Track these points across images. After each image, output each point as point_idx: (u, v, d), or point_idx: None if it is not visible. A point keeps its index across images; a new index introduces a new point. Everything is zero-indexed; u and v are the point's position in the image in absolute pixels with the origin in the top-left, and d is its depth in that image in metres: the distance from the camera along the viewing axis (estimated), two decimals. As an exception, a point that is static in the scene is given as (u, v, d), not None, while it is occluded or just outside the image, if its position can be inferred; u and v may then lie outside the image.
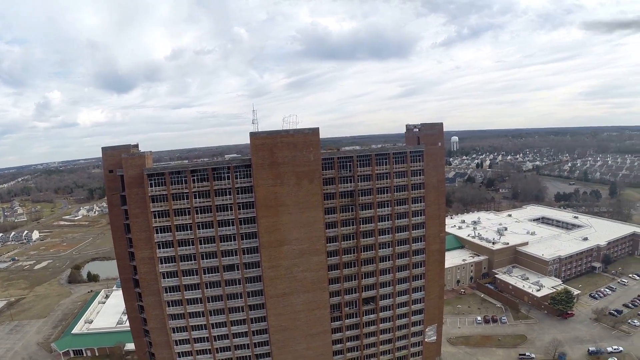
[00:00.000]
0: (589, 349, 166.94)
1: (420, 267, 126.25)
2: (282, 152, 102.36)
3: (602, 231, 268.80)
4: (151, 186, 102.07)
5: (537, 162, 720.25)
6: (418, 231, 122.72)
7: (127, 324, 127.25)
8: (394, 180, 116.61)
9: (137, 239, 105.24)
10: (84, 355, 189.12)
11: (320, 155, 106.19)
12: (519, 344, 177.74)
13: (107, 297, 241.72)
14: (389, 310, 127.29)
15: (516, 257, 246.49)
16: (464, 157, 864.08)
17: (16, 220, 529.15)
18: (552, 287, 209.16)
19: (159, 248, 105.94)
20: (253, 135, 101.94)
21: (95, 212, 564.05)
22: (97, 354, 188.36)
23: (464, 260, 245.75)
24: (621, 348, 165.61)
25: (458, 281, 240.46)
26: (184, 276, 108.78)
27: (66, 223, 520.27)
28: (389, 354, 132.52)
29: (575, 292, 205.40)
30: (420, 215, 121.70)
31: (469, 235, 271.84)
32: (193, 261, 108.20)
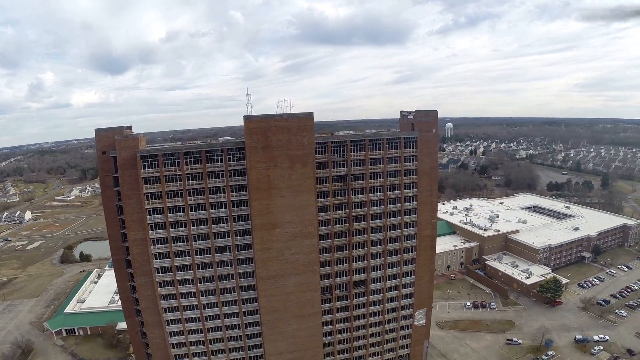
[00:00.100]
0: (575, 337, 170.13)
1: (411, 252, 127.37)
2: (276, 135, 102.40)
3: (593, 222, 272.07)
4: (144, 168, 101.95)
5: (531, 151, 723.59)
6: (410, 217, 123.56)
7: (119, 303, 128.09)
8: (387, 165, 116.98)
9: (130, 220, 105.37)
10: (76, 334, 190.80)
11: (314, 139, 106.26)
12: (507, 330, 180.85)
13: (99, 277, 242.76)
14: (379, 293, 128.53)
15: (507, 244, 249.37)
16: (458, 144, 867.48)
17: (9, 201, 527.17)
18: (542, 275, 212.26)
19: (152, 229, 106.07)
20: (247, 118, 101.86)
21: (88, 193, 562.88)
22: (89, 333, 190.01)
23: (455, 246, 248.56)
24: (607, 337, 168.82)
25: (448, 266, 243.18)
26: (176, 257, 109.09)
27: (59, 203, 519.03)
28: (378, 336, 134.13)
29: (564, 281, 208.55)
30: (413, 201, 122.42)
31: (460, 222, 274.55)
32: (185, 242, 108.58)
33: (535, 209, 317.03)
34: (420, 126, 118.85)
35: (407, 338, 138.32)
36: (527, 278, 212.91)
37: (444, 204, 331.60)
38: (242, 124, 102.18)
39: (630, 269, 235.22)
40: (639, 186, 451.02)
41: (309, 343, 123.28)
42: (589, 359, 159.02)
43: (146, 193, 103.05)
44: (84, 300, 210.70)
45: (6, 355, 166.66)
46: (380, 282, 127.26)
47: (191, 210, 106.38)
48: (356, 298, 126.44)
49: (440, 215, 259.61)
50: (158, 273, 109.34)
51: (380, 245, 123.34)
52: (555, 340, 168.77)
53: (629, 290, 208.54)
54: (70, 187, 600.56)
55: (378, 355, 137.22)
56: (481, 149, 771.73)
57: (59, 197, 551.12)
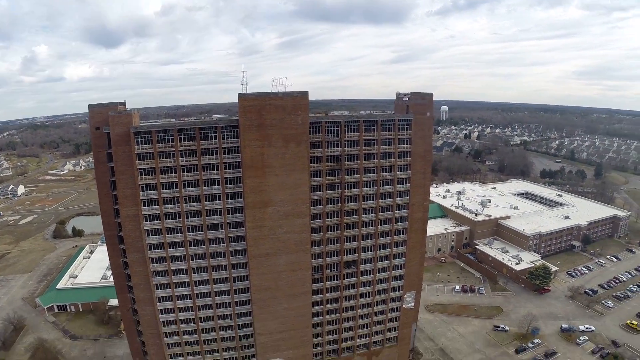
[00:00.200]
0: (561, 326, 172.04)
1: (402, 234, 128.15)
2: (270, 114, 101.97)
3: (584, 211, 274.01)
4: (138, 144, 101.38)
5: (525, 137, 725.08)
6: (402, 199, 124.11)
7: (111, 279, 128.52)
8: (380, 147, 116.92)
9: (123, 196, 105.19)
10: (68, 310, 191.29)
11: (308, 118, 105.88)
12: (495, 316, 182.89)
13: (91, 252, 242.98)
14: (370, 274, 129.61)
15: (498, 229, 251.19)
16: (453, 127, 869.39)
17: (2, 175, 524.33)
18: (531, 262, 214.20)
19: (145, 206, 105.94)
20: (242, 96, 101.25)
21: (81, 167, 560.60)
22: (80, 310, 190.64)
23: (446, 229, 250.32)
24: (593, 327, 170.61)
25: (439, 249, 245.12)
26: (168, 234, 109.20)
27: (52, 178, 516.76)
28: (367, 317, 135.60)
29: (553, 268, 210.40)
30: (405, 183, 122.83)
31: (452, 205, 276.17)
32: (178, 219, 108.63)
33: (527, 196, 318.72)
34: (415, 108, 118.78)
35: (396, 320, 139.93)
36: (517, 264, 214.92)
37: (436, 186, 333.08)
38: (237, 101, 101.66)
39: (619, 260, 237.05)
40: (631, 178, 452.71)
41: (299, 323, 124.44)
42: (574, 348, 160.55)
43: (139, 169, 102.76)
44: (76, 276, 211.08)
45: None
46: (370, 263, 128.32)
47: (184, 187, 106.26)
48: (346, 278, 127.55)
49: (432, 198, 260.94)
50: (150, 249, 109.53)
51: (371, 226, 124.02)
52: (542, 328, 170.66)
53: (617, 281, 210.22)
54: (64, 162, 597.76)
55: (366, 337, 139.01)
56: (476, 133, 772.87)
57: (52, 171, 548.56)
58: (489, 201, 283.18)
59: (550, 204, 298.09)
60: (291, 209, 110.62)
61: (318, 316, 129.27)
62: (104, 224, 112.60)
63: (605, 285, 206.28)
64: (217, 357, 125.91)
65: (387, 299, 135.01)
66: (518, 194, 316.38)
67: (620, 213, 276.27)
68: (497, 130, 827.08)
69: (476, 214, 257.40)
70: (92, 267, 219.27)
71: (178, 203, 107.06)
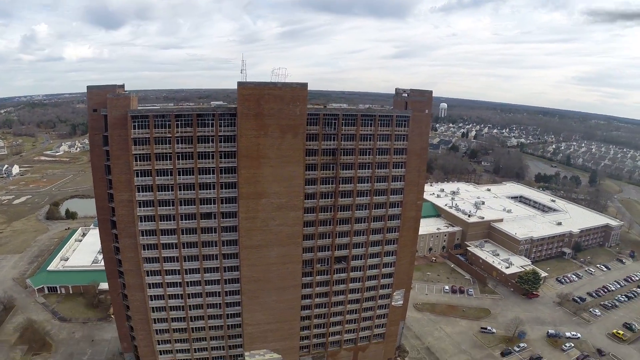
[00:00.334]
0: (548, 332, 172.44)
1: (395, 232, 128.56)
2: (268, 104, 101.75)
3: (576, 218, 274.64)
4: (134, 128, 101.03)
5: (522, 140, 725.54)
6: (396, 196, 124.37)
7: (102, 263, 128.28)
8: (377, 142, 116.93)
9: (117, 180, 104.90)
10: (58, 292, 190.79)
11: (306, 110, 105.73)
12: (482, 318, 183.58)
13: (84, 235, 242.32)
14: (360, 270, 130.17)
15: (490, 232, 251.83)
16: (451, 125, 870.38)
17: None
18: (521, 267, 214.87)
19: (139, 191, 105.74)
20: (241, 85, 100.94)
21: (77, 149, 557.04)
22: (71, 292, 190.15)
23: (438, 229, 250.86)
24: (579, 335, 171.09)
25: (430, 249, 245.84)
26: (161, 221, 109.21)
27: (47, 158, 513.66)
28: (355, 313, 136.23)
29: (543, 274, 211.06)
30: (400, 181, 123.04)
31: (446, 205, 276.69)
32: (171, 207, 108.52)
33: (521, 199, 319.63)
34: (414, 105, 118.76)
35: (384, 317, 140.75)
36: (507, 268, 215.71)
37: (431, 185, 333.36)
38: (236, 88, 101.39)
39: (609, 269, 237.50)
40: (626, 187, 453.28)
41: (287, 315, 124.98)
42: (559, 354, 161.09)
43: (135, 154, 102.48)
44: (68, 259, 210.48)
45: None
46: (361, 259, 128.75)
47: (179, 175, 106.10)
48: (337, 274, 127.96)
49: (426, 196, 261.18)
50: (142, 235, 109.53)
51: (364, 222, 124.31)
52: (528, 333, 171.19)
53: (605, 290, 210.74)
54: (59, 142, 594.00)
55: (354, 333, 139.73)
56: (473, 133, 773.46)
57: (48, 152, 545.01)
58: (483, 203, 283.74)
59: (543, 209, 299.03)
60: (285, 202, 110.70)
61: (307, 309, 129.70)
62: (97, 208, 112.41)
63: (594, 294, 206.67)
64: (205, 345, 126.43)
65: (376, 295, 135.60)
66: (512, 197, 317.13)
67: (613, 222, 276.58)
68: (495, 130, 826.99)
69: (469, 215, 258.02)
70: (84, 250, 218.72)
71: (172, 190, 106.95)
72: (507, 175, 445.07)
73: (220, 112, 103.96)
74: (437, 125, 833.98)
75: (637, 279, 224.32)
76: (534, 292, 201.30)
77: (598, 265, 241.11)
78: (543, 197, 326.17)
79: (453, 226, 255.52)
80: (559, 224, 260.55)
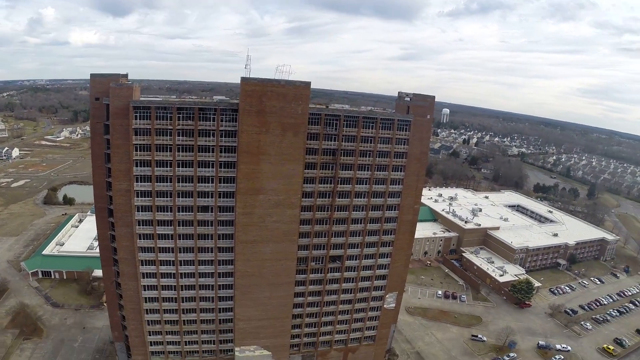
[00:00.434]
0: (538, 343, 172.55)
1: (391, 234, 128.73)
2: (270, 101, 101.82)
3: (573, 230, 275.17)
4: (136, 119, 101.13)
5: (523, 149, 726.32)
6: (393, 199, 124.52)
7: (98, 250, 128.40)
8: (377, 145, 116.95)
9: (117, 170, 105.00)
10: (52, 277, 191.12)
11: (308, 109, 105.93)
12: (474, 325, 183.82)
13: (80, 221, 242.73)
14: (354, 271, 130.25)
15: (486, 239, 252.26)
16: (452, 131, 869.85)
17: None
18: (515, 275, 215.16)
19: (137, 181, 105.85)
20: (244, 80, 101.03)
21: (77, 135, 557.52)
22: (64, 278, 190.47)
23: (434, 233, 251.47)
24: (569, 347, 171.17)
25: (425, 253, 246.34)
26: (158, 212, 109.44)
27: (47, 143, 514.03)
28: (347, 314, 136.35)
29: (536, 284, 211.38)
30: (399, 184, 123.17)
31: (443, 210, 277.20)
32: (169, 198, 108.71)
33: (518, 209, 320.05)
34: (416, 110, 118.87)
35: (375, 320, 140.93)
36: (501, 276, 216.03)
37: (429, 189, 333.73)
38: (240, 83, 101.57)
39: (602, 282, 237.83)
40: (623, 202, 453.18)
41: (279, 312, 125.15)
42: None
43: (135, 144, 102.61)
44: (63, 244, 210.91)
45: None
46: (356, 260, 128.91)
47: (178, 167, 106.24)
48: (330, 273, 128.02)
49: (424, 200, 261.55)
50: (139, 225, 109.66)
51: (360, 223, 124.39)
52: (519, 343, 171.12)
53: (598, 303, 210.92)
54: (61, 128, 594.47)
55: (344, 333, 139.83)
56: (474, 140, 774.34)
57: (48, 137, 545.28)
58: (480, 210, 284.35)
59: (540, 219, 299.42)
60: (282, 199, 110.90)
61: (299, 307, 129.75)
62: (95, 195, 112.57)
63: (586, 307, 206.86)
64: (196, 338, 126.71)
65: (368, 297, 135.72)
66: (509, 206, 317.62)
67: (609, 236, 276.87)
68: (496, 138, 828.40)
69: (466, 222, 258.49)
70: (80, 237, 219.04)
71: (170, 182, 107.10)
72: (506, 183, 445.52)
73: (222, 107, 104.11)
74: (439, 130, 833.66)
75: (630, 294, 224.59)
76: (527, 302, 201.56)
77: (592, 278, 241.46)
78: (541, 208, 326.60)
79: (449, 231, 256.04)
80: (555, 235, 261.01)
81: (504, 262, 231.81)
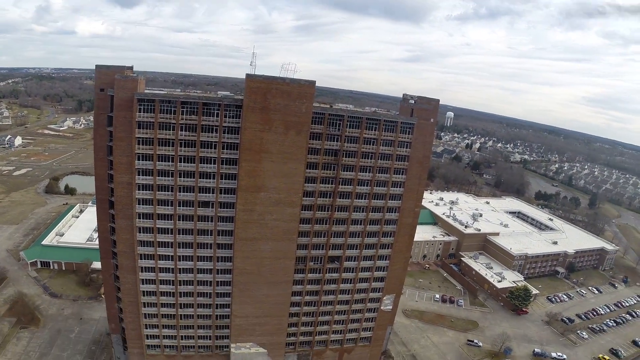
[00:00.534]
0: (534, 350, 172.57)
1: (390, 236, 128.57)
2: (275, 99, 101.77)
3: (572, 239, 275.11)
4: (140, 111, 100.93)
5: (526, 156, 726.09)
6: (394, 202, 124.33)
7: (97, 242, 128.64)
8: (380, 147, 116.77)
9: (119, 162, 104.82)
10: (51, 267, 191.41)
11: (312, 108, 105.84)
12: (470, 330, 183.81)
13: (81, 212, 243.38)
14: (352, 272, 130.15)
15: (485, 245, 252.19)
16: (456, 135, 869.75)
17: (1, 123, 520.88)
18: (513, 282, 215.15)
19: (139, 175, 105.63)
20: (249, 77, 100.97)
21: (81, 125, 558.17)
22: (63, 268, 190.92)
23: (434, 237, 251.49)
24: (565, 356, 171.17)
25: (424, 256, 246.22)
26: (158, 205, 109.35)
27: (51, 132, 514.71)
28: (344, 314, 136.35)
29: (534, 291, 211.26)
30: (400, 187, 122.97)
31: (443, 214, 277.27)
32: (170, 192, 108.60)
33: (519, 215, 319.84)
34: (419, 113, 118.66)
35: (372, 321, 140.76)
36: (499, 282, 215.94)
37: (431, 193, 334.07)
38: (244, 80, 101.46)
39: (600, 292, 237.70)
40: (624, 212, 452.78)
41: (276, 310, 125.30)
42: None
43: (138, 137, 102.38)
44: (63, 234, 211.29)
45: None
46: (354, 261, 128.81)
47: (180, 162, 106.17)
48: (329, 273, 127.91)
49: (425, 204, 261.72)
50: (139, 218, 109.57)
51: (360, 224, 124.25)
52: (514, 349, 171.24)
53: (595, 313, 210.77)
54: (64, 117, 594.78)
55: (341, 334, 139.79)
56: (477, 145, 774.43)
57: (52, 126, 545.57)
58: (480, 215, 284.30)
59: (540, 226, 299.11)
60: (283, 197, 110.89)
61: (296, 306, 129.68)
62: (96, 187, 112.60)
63: (583, 316, 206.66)
64: (192, 333, 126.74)
65: (366, 298, 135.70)
66: (510, 212, 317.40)
67: (608, 246, 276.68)
68: (499, 144, 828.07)
69: (466, 226, 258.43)
70: (80, 227, 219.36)
71: (172, 176, 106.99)
72: (507, 190, 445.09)
73: (227, 103, 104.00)
74: (442, 134, 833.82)
75: (628, 305, 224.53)
76: (524, 309, 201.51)
77: (590, 288, 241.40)
78: (541, 215, 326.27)
79: (449, 235, 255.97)
80: (555, 243, 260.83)
81: (502, 268, 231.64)
